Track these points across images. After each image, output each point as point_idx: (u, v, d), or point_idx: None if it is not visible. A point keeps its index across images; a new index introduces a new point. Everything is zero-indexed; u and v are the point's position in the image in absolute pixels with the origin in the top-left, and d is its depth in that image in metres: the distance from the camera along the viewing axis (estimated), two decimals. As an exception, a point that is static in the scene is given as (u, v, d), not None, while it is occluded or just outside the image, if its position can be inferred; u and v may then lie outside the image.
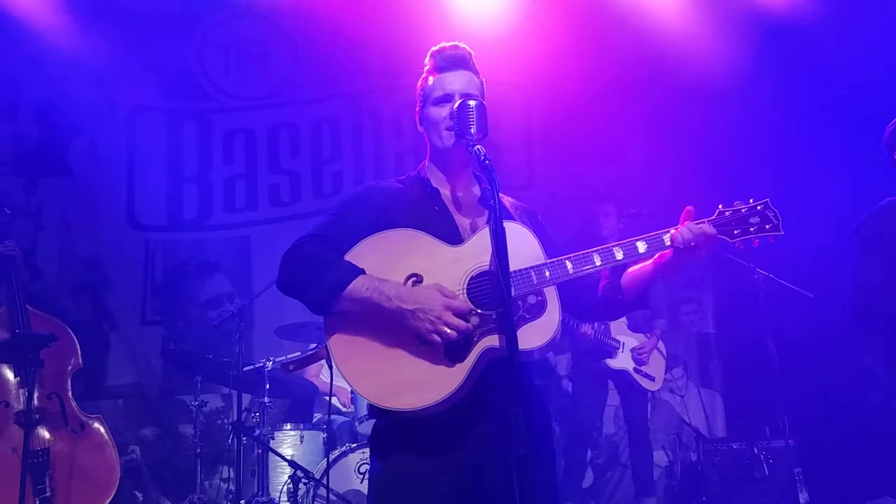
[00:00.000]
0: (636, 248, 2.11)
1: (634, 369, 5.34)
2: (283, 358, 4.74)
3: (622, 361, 5.31)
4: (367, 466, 4.25)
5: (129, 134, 6.42)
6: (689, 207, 2.14)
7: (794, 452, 4.76)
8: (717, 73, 5.82)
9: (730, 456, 5.10)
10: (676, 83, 6.22)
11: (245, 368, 4.62)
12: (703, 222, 2.14)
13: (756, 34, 5.93)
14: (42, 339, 3.85)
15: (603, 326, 5.21)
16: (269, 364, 4.65)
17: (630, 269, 2.24)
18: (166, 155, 6.47)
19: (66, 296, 6.05)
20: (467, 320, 2.01)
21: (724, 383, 6.47)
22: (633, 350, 5.33)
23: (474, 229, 2.20)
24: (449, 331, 1.98)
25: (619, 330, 5.33)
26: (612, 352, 5.29)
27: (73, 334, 4.29)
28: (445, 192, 2.28)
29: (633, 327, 5.43)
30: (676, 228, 2.12)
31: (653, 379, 5.42)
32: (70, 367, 4.22)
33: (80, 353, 4.27)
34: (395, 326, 2.03)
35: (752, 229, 2.14)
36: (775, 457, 4.89)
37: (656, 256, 2.15)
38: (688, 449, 6.13)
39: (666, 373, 5.67)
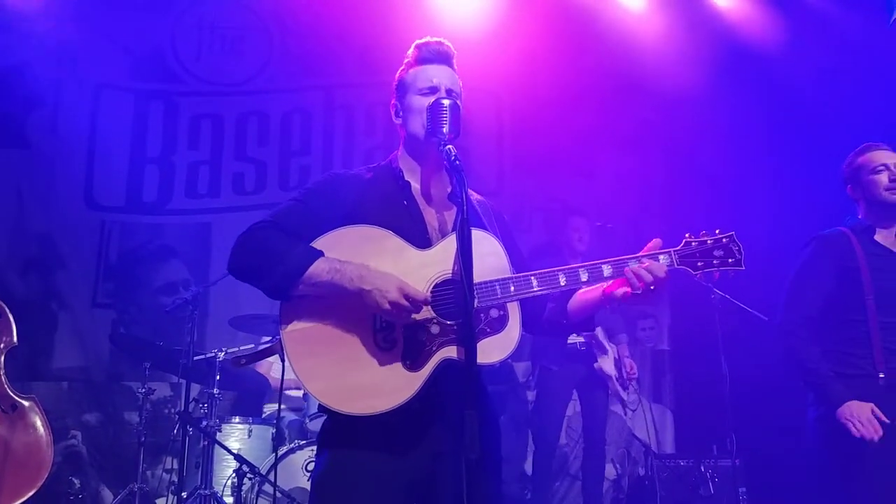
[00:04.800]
0: (601, 271, 2.11)
1: (616, 378, 5.28)
2: (236, 350, 4.66)
3: (609, 366, 5.23)
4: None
5: (92, 110, 6.24)
6: (656, 240, 2.14)
7: (739, 472, 4.83)
8: (688, 89, 5.91)
9: (677, 472, 5.16)
10: (648, 98, 6.32)
11: (196, 358, 4.54)
12: (668, 252, 2.14)
13: (727, 55, 6.04)
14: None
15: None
16: (221, 354, 4.58)
17: (577, 295, 2.23)
18: (130, 135, 6.31)
19: (15, 273, 5.86)
20: (425, 304, 1.99)
21: (676, 400, 6.56)
22: (617, 360, 5.25)
23: (443, 230, 2.17)
24: (400, 311, 1.96)
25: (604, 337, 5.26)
26: (597, 355, 5.20)
27: (7, 311, 4.12)
28: (417, 185, 2.24)
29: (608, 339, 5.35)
30: (639, 260, 2.10)
31: (627, 389, 5.40)
32: (3, 345, 4.06)
33: (14, 330, 4.09)
34: (352, 321, 2.00)
35: (714, 262, 2.16)
36: (721, 475, 4.96)
37: (607, 284, 2.14)
38: (636, 463, 6.18)
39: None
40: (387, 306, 1.95)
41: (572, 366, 5.20)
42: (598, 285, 2.16)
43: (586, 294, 2.22)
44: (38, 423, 3.97)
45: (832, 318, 3.13)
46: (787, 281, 3.22)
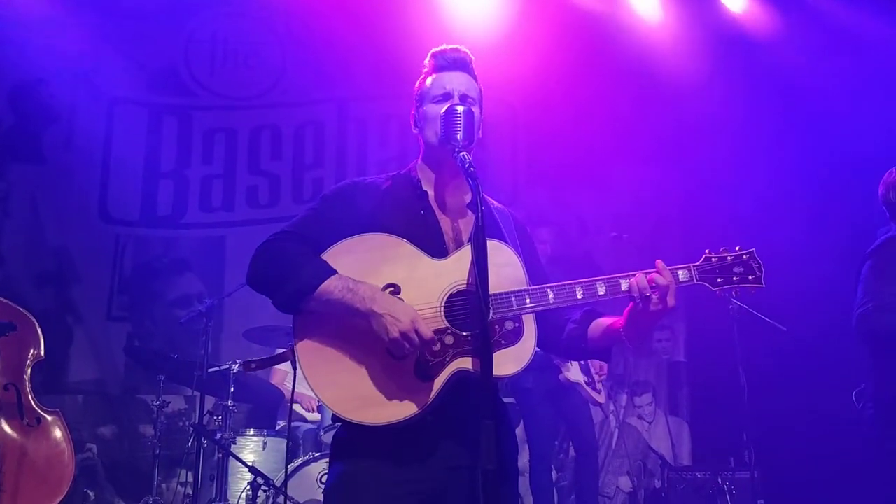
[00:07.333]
0: (619, 285, 2.08)
1: (586, 382, 5.13)
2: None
3: (575, 374, 5.07)
4: (329, 476, 4.20)
5: (107, 125, 6.30)
6: (659, 262, 2.08)
7: (757, 485, 4.75)
8: (705, 100, 5.89)
9: (694, 485, 5.10)
10: (665, 109, 6.29)
11: (210, 370, 4.54)
12: (688, 267, 2.11)
13: (745, 66, 6.01)
14: (-1, 328, 3.73)
15: None
16: (236, 367, 4.57)
17: (600, 321, 2.20)
18: (144, 149, 6.36)
19: (30, 286, 5.90)
20: (431, 346, 1.96)
21: (692, 412, 6.49)
22: (590, 368, 5.07)
23: (458, 239, 2.15)
24: (406, 344, 1.94)
25: None
26: (560, 366, 5.03)
27: (37, 324, 4.15)
28: (433, 194, 2.23)
29: None
30: (645, 273, 2.06)
31: (600, 391, 5.24)
32: (30, 358, 4.07)
33: (42, 344, 4.13)
34: (365, 333, 1.98)
35: (734, 279, 2.13)
36: (739, 488, 4.91)
37: (625, 313, 2.11)
38: (652, 476, 6.12)
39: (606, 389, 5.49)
40: (395, 335, 1.93)
41: (541, 375, 4.99)
42: (617, 318, 2.13)
43: (608, 324, 2.18)
44: (61, 437, 3.97)
45: None
46: (865, 277, 3.18)
